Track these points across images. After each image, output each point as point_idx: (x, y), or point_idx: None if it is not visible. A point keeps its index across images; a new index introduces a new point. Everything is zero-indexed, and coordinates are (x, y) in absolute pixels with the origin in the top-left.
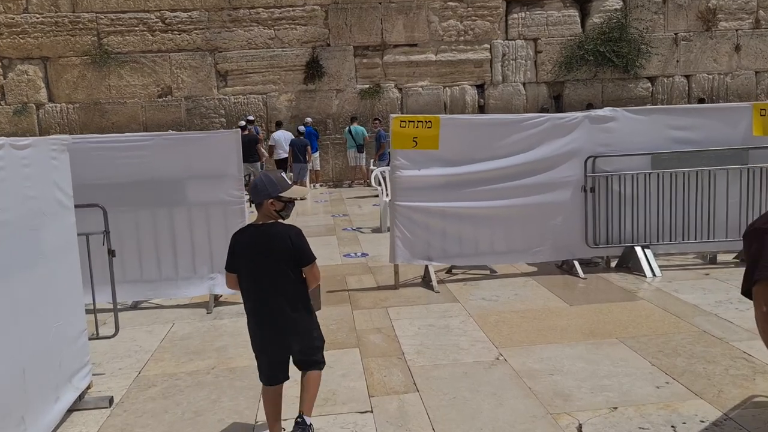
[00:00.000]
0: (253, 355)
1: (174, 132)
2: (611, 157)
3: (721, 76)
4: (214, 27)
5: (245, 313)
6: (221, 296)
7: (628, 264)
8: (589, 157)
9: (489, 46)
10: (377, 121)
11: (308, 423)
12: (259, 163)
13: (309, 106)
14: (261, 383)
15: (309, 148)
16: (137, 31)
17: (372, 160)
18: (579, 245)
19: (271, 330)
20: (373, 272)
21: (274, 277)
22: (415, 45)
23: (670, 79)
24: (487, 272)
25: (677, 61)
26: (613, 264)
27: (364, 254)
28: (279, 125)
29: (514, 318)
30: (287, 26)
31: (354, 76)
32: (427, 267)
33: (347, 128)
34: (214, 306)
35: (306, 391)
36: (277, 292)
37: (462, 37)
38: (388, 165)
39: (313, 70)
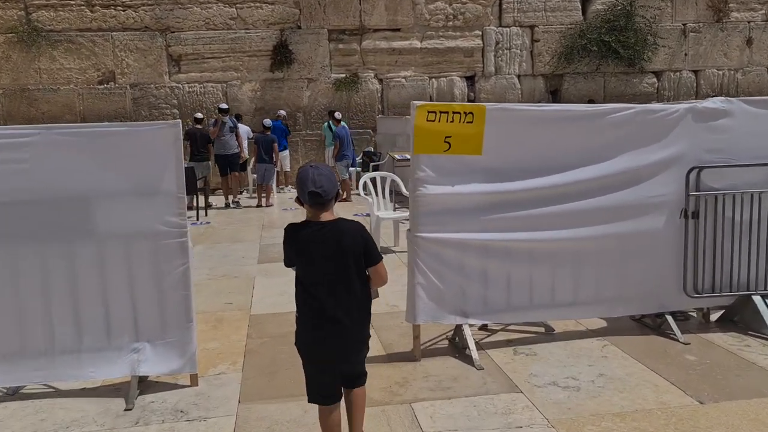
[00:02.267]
0: None
1: (73, 125)
2: (724, 168)
3: (732, 72)
4: (165, 3)
5: (297, 308)
6: (148, 377)
7: (735, 318)
8: (692, 169)
9: (481, 33)
10: (334, 118)
11: None
12: (207, 163)
13: (276, 98)
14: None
15: (276, 145)
16: (73, 5)
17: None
18: (673, 293)
19: (327, 339)
20: (373, 323)
21: (341, 279)
22: (398, 30)
23: (678, 74)
24: (541, 329)
25: (685, 55)
26: (714, 317)
27: None
28: (238, 119)
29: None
30: (251, 5)
31: (328, 63)
32: (460, 327)
33: (326, 124)
34: (139, 394)
35: (356, 409)
36: (342, 296)
37: (451, 22)
38: (348, 166)
39: (282, 56)
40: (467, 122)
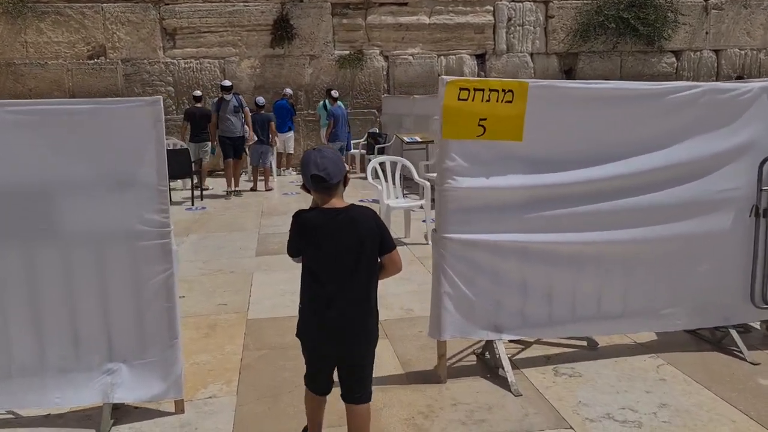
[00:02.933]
0: None
1: (26, 101)
2: None
3: (755, 52)
4: None
5: (301, 298)
6: (124, 405)
7: None
8: (766, 160)
9: (492, 9)
10: (330, 96)
11: None
12: (208, 144)
13: (277, 75)
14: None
15: (272, 124)
16: None
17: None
18: (739, 304)
19: (334, 330)
20: (386, 331)
21: (353, 269)
22: (405, 4)
23: (698, 53)
24: (582, 342)
25: (706, 33)
26: None
27: None
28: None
29: None
30: None
31: (331, 39)
32: (492, 343)
33: (321, 102)
34: (113, 425)
35: (361, 427)
36: (353, 288)
37: None
38: (342, 151)
39: (282, 30)
40: (506, 102)
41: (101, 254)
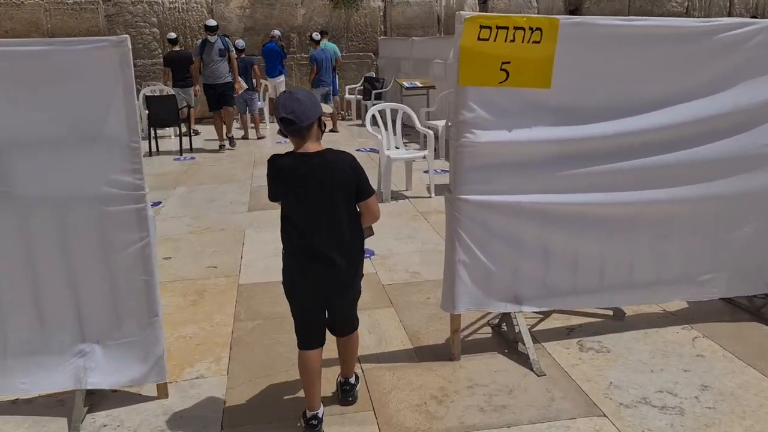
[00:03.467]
0: None
1: None
2: None
3: None
4: None
5: (284, 247)
6: (100, 391)
7: None
8: None
9: None
10: (312, 39)
11: (354, 382)
12: (192, 90)
13: (267, 16)
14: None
15: (256, 68)
16: None
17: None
18: None
19: (315, 280)
20: (391, 298)
21: (329, 214)
22: None
23: None
24: (608, 311)
25: None
26: None
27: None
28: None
29: None
30: None
31: None
32: (509, 314)
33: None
34: (87, 412)
35: (347, 353)
36: (331, 233)
37: None
38: (328, 97)
39: None
40: (533, 42)
41: (64, 221)
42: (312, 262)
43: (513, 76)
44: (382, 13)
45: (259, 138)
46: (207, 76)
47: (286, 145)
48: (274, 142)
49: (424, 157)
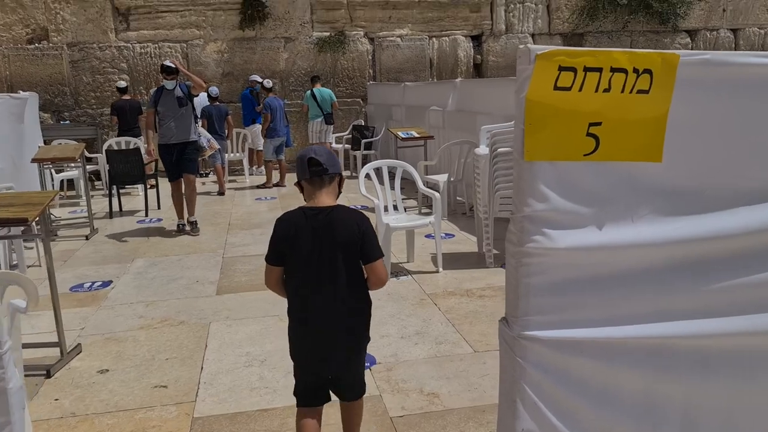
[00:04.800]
0: None
1: None
2: None
3: None
4: None
5: (288, 315)
6: None
7: None
8: None
9: None
10: (264, 87)
11: None
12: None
13: (247, 61)
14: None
15: (230, 118)
16: None
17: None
18: None
19: (321, 343)
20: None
21: (335, 275)
22: None
23: (714, 33)
24: None
25: (723, 11)
26: None
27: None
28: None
29: None
30: None
31: (309, 19)
32: None
33: (308, 92)
34: None
35: (354, 418)
36: (337, 294)
37: None
38: (281, 149)
39: (253, 9)
40: (638, 92)
41: None
42: (318, 331)
43: (606, 145)
44: (370, 57)
45: (219, 194)
46: (163, 135)
47: (267, 204)
48: (253, 198)
49: (431, 223)
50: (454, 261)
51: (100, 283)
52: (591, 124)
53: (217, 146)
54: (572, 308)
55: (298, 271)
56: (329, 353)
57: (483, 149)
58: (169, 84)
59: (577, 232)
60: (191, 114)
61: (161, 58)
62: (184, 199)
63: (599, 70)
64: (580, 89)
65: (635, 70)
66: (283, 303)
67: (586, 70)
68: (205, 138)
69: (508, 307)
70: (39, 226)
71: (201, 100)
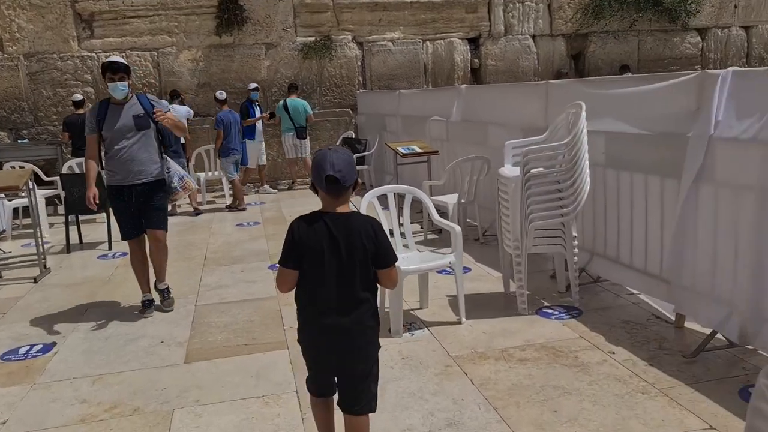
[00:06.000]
0: None
1: None
2: None
3: None
4: None
5: (298, 317)
6: None
7: None
8: None
9: None
10: (216, 99)
11: None
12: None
13: (225, 69)
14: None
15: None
16: None
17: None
18: None
19: (332, 347)
20: None
21: (350, 280)
22: None
23: (725, 31)
24: None
25: (735, 7)
26: None
27: None
28: (175, 96)
29: None
30: None
31: (292, 24)
32: None
33: (281, 103)
34: None
35: None
36: (350, 300)
37: None
38: (237, 167)
39: (230, 13)
40: None
41: None
42: (327, 324)
43: None
44: (359, 63)
45: (195, 213)
46: (112, 172)
47: (249, 230)
48: (233, 224)
49: (450, 266)
50: (478, 306)
51: (41, 346)
52: None
53: (194, 186)
54: None
55: (315, 275)
56: (345, 356)
57: (510, 170)
58: (117, 91)
59: None
60: (155, 139)
61: None
62: (149, 262)
63: None
64: None
65: None
66: (269, 376)
67: None
68: (176, 174)
69: None
70: None
71: (177, 111)
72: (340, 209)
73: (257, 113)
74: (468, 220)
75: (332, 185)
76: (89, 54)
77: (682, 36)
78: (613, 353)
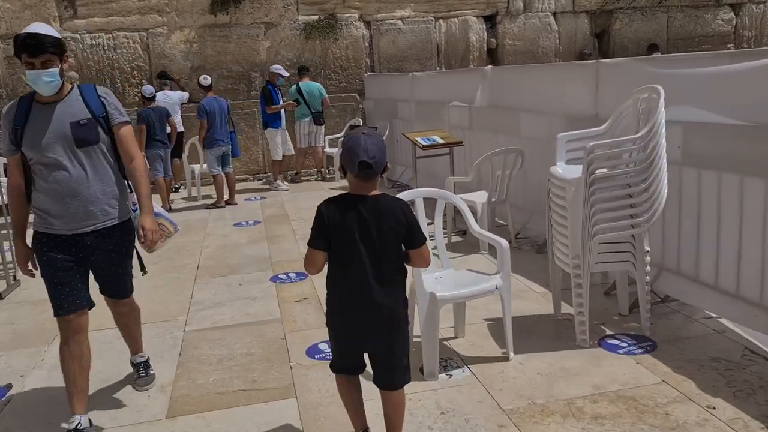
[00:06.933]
0: None
1: None
2: None
3: None
4: None
5: (328, 299)
6: None
7: None
8: None
9: None
10: (200, 85)
11: None
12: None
13: (222, 51)
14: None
15: (172, 120)
16: None
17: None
18: None
19: (366, 325)
20: None
21: (381, 261)
22: None
23: (761, 6)
24: None
25: None
26: None
27: None
28: (164, 77)
29: None
30: None
31: (294, 1)
32: None
33: (294, 86)
34: None
35: (395, 416)
36: (382, 279)
37: None
38: (227, 159)
39: None
40: None
41: None
42: (363, 307)
43: None
44: (367, 44)
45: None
46: (41, 212)
47: (248, 231)
48: (232, 224)
49: (497, 288)
50: (523, 332)
51: None
52: None
53: (173, 230)
54: None
55: (347, 255)
56: (377, 328)
57: (565, 169)
58: (41, 83)
59: None
60: (110, 156)
61: (116, 50)
62: (121, 331)
63: None
64: None
65: None
66: None
67: None
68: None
69: None
70: None
71: (169, 97)
72: (371, 192)
73: (281, 100)
74: (496, 219)
75: (365, 171)
76: (72, 35)
77: (714, 12)
78: (714, 408)
